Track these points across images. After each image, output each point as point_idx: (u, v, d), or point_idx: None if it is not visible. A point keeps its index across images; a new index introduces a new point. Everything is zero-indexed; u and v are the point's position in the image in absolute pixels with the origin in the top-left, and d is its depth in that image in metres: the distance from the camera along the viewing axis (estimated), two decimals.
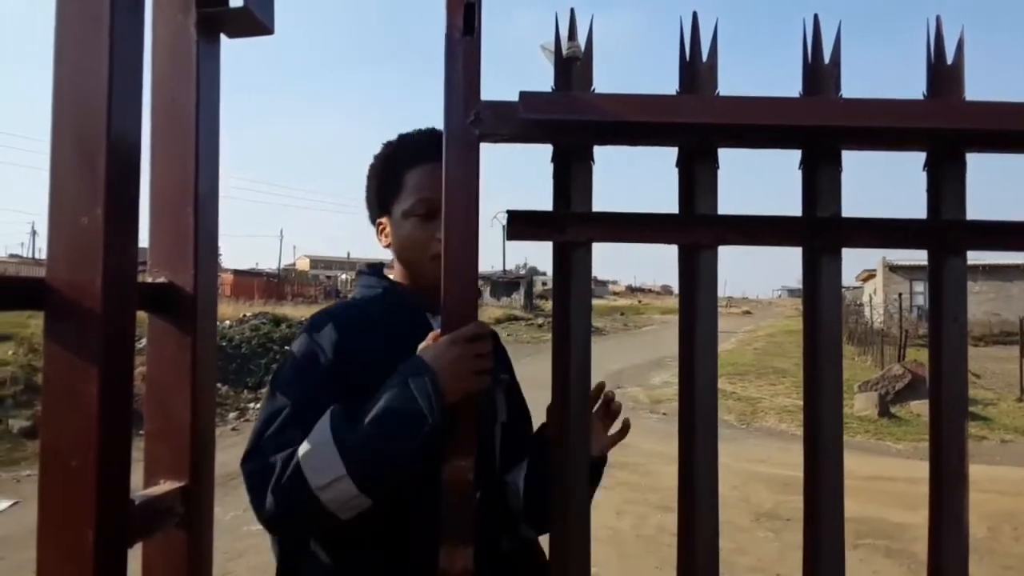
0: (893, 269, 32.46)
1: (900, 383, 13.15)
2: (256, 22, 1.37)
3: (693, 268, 1.46)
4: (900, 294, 26.59)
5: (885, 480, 8.38)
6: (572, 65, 1.44)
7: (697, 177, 1.46)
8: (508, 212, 1.42)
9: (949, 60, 1.45)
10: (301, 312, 18.91)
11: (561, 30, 1.47)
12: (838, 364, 1.47)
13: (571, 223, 1.44)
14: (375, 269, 1.62)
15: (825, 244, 1.46)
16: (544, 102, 1.36)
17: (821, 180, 1.46)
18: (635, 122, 1.37)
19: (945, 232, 1.45)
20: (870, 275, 37.61)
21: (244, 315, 16.61)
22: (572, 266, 1.45)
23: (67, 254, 1.04)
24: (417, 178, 1.59)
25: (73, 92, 1.05)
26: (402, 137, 1.67)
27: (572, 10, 1.46)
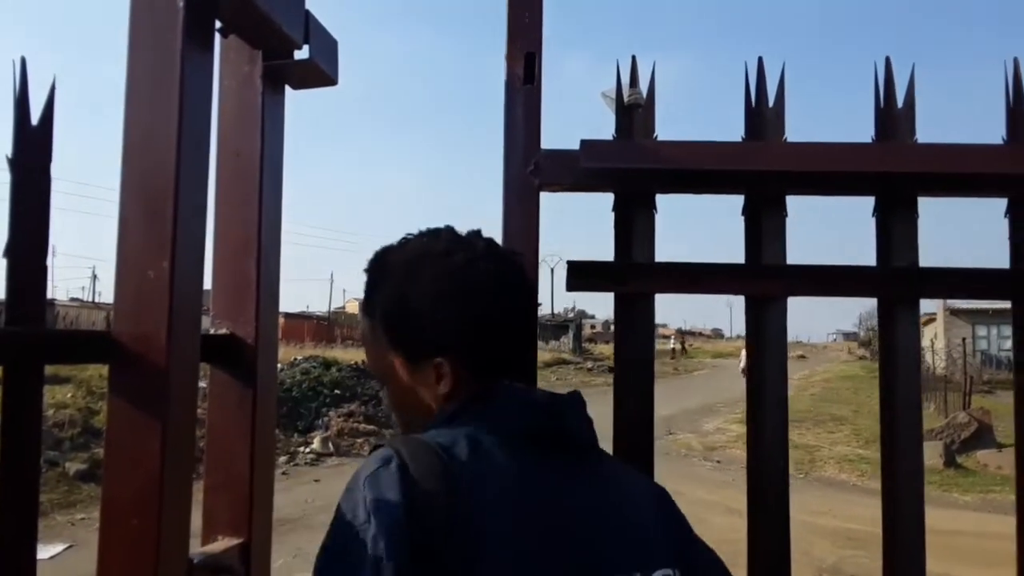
0: (954, 313, 31.56)
1: (966, 432, 12.65)
2: (321, 74, 1.37)
3: (761, 319, 1.40)
4: (964, 339, 25.76)
5: (954, 534, 7.98)
6: (634, 112, 1.41)
7: (764, 225, 1.41)
8: (568, 263, 1.38)
9: None
10: (351, 355, 19.04)
11: (623, 77, 1.44)
12: (917, 419, 1.39)
13: (633, 274, 1.40)
14: None
15: (902, 295, 1.39)
16: (606, 150, 1.34)
17: (897, 228, 1.39)
18: (701, 170, 1.33)
19: None
20: (929, 319, 36.60)
21: (295, 358, 16.76)
22: (634, 317, 1.40)
23: (133, 307, 1.03)
24: None
25: (142, 147, 1.06)
26: None
27: (633, 57, 1.43)
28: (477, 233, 1.06)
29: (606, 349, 40.14)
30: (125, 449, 1.01)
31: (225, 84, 1.34)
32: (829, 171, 1.32)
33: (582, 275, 1.39)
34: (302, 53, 1.34)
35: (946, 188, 1.41)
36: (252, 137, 1.33)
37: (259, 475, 1.29)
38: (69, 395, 11.41)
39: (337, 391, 14.90)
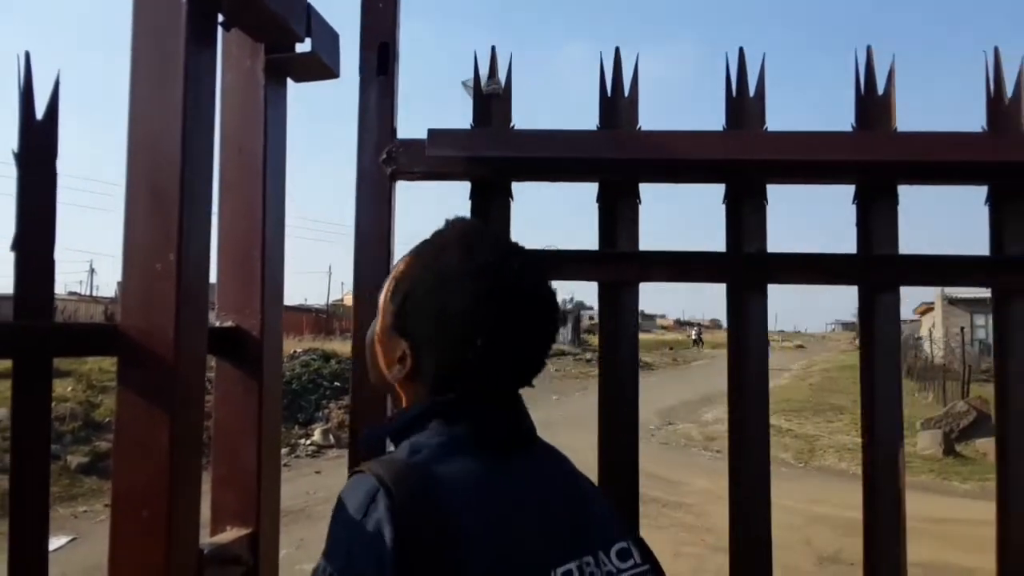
0: (952, 302, 31.53)
1: (965, 420, 12.67)
2: (323, 66, 1.38)
3: (615, 304, 1.42)
4: (962, 328, 25.77)
5: (952, 522, 8.01)
6: (492, 101, 1.42)
7: (618, 213, 1.43)
8: None
9: (880, 90, 1.40)
10: (349, 347, 19.02)
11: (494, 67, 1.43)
12: (764, 402, 1.41)
13: None
14: None
15: (751, 280, 1.41)
16: (453, 139, 1.34)
17: (746, 214, 1.42)
18: (554, 158, 1.34)
19: (875, 268, 1.40)
20: (928, 308, 36.59)
21: (294, 351, 16.73)
22: None
23: (140, 300, 1.04)
24: None
25: (147, 141, 1.06)
26: None
27: (493, 47, 1.44)
28: (517, 254, 1.00)
29: None
30: (134, 441, 1.02)
31: (228, 78, 1.34)
32: (679, 159, 1.34)
33: None
34: (304, 46, 1.35)
35: (795, 175, 1.42)
36: (255, 129, 1.33)
37: (266, 466, 1.30)
38: (69, 388, 11.41)
39: (337, 383, 14.89)
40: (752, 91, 1.41)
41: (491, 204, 1.41)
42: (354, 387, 1.33)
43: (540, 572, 0.89)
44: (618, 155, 1.34)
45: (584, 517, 0.98)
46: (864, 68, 1.40)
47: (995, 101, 1.37)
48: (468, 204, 1.42)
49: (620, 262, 1.42)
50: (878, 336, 1.39)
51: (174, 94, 1.07)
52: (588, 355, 31.90)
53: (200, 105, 1.12)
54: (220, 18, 1.20)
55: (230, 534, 1.25)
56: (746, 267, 1.41)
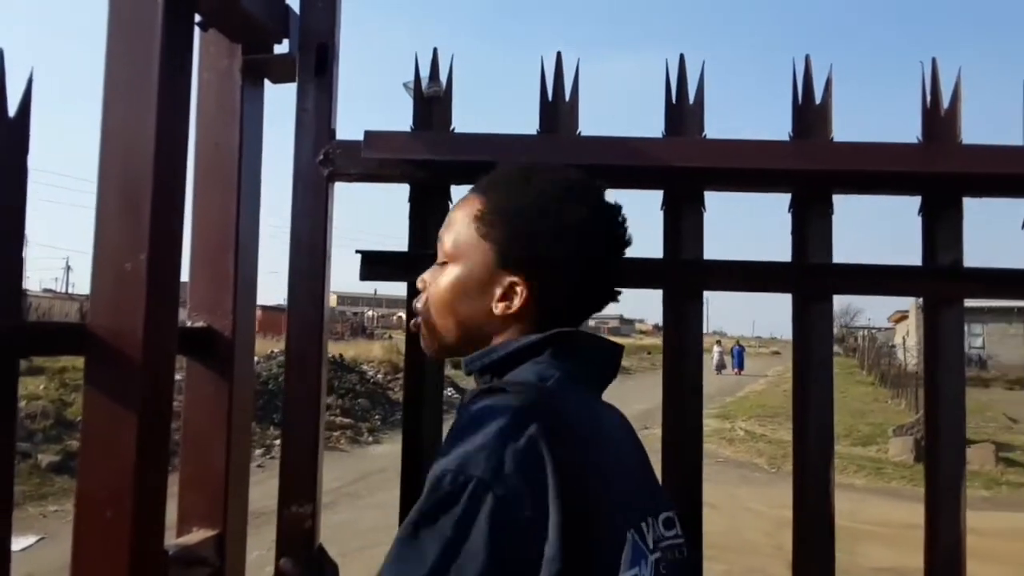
0: None
1: None
2: None
3: None
4: None
5: (920, 528, 8.10)
6: (433, 104, 1.43)
7: None
8: (361, 253, 1.39)
9: (817, 99, 1.42)
10: (328, 348, 18.92)
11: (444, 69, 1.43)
12: (698, 406, 1.41)
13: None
14: None
15: (688, 287, 1.42)
16: (389, 141, 1.34)
17: (684, 222, 1.43)
18: (486, 161, 1.34)
19: (809, 276, 1.41)
20: (902, 316, 37.01)
21: (272, 351, 16.61)
22: None
23: (110, 300, 1.03)
24: None
25: (120, 139, 1.05)
26: None
27: (435, 50, 1.45)
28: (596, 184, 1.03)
29: None
30: (100, 441, 1.02)
31: (204, 77, 1.34)
32: (615, 165, 1.35)
33: (375, 263, 1.40)
34: (282, 47, 1.34)
35: (732, 183, 1.44)
36: (231, 130, 1.33)
37: (235, 467, 1.30)
38: (42, 386, 11.25)
39: None
40: (692, 98, 1.42)
41: (430, 206, 1.41)
42: (288, 386, 1.32)
43: (642, 518, 0.88)
44: (556, 159, 1.34)
45: (652, 474, 0.98)
46: (802, 77, 1.42)
47: (931, 112, 1.39)
48: (407, 206, 1.42)
49: None
50: (812, 344, 1.41)
51: (148, 92, 1.06)
52: None
53: (175, 104, 1.11)
54: (197, 18, 1.20)
55: (196, 535, 1.24)
56: (683, 274, 1.42)
